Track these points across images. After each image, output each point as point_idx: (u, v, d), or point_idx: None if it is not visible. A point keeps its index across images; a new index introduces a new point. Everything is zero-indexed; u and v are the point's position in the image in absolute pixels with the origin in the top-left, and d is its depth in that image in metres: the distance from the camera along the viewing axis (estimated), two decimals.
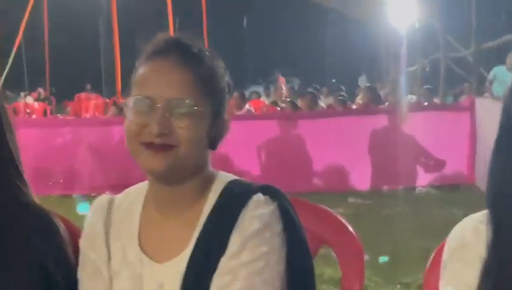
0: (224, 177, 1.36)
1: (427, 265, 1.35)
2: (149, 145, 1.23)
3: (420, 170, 8.74)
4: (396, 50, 14.22)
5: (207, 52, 1.32)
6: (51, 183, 8.10)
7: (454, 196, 8.14)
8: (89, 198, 7.90)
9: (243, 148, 7.63)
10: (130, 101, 1.26)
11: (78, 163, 8.66)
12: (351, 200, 7.48)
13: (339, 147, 8.77)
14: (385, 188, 8.50)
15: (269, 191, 1.29)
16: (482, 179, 8.06)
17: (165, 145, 1.23)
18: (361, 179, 8.71)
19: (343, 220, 1.50)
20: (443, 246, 1.28)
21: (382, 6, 13.48)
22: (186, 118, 1.23)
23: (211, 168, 1.37)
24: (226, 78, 1.36)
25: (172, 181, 1.29)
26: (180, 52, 1.29)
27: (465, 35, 10.67)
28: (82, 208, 7.24)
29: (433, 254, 1.34)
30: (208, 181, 1.34)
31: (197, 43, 1.33)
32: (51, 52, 18.65)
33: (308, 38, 30.38)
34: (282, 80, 16.77)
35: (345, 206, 6.83)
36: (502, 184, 1.12)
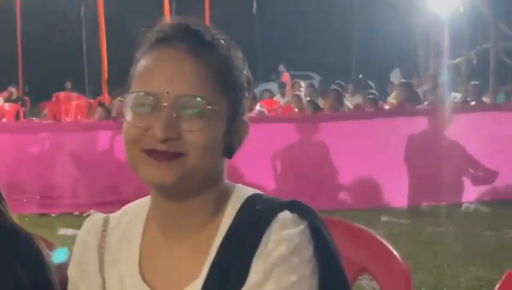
0: (242, 192, 1.33)
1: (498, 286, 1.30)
2: (152, 153, 1.21)
3: (467, 182, 8.75)
4: (436, 39, 14.29)
5: (222, 40, 1.30)
6: (25, 199, 8.10)
7: (508, 213, 8.11)
8: (71, 219, 7.86)
9: (255, 156, 7.46)
10: (130, 99, 1.24)
11: (57, 175, 8.68)
12: (384, 219, 7.52)
13: (369, 156, 8.74)
14: (424, 204, 8.52)
15: (298, 208, 1.26)
16: None
17: (172, 153, 1.21)
18: (396, 193, 8.70)
19: (388, 244, 1.45)
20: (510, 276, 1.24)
21: None
22: (197, 120, 1.20)
23: (226, 181, 1.34)
24: (245, 71, 1.34)
25: (180, 196, 1.27)
26: (190, 40, 1.27)
27: None
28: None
29: (497, 286, 1.32)
30: (223, 196, 1.31)
31: (209, 29, 1.30)
32: (23, 44, 18.67)
33: (329, 26, 30.24)
34: (286, 75, 16.67)
35: (378, 226, 6.81)
36: None
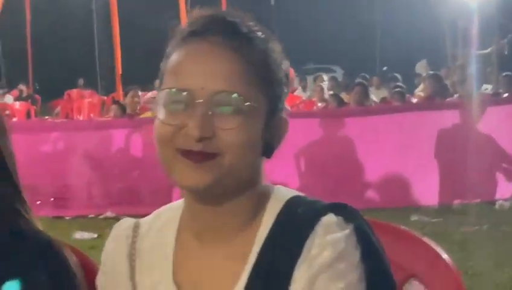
0: (282, 194, 1.31)
1: None
2: (187, 154, 1.19)
3: (501, 178, 8.77)
4: (465, 28, 14.24)
5: (259, 32, 1.28)
6: (38, 202, 8.06)
7: None
8: (86, 221, 7.91)
9: (277, 154, 7.50)
10: (162, 96, 1.23)
11: (71, 176, 8.70)
12: (414, 218, 7.52)
13: (397, 152, 8.75)
14: (456, 202, 8.50)
15: (343, 210, 1.24)
16: None
17: (208, 153, 1.19)
18: (426, 191, 8.68)
19: (438, 248, 1.43)
20: None
21: None
22: (234, 117, 1.18)
23: (265, 182, 1.31)
24: (285, 66, 1.31)
25: (216, 199, 1.25)
26: (225, 33, 1.25)
27: None
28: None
29: None
30: (261, 199, 1.29)
31: (246, 20, 1.28)
32: (33, 41, 18.67)
33: (351, 16, 30.09)
34: (291, 71, 16.56)
35: (408, 226, 6.67)
36: None
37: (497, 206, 8.45)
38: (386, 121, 9.26)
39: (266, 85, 1.23)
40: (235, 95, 1.19)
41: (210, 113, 1.17)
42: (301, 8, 29.85)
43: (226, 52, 1.22)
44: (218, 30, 1.23)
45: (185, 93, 1.18)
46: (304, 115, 10.66)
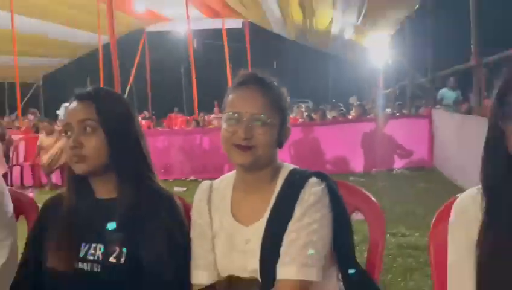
0: (287, 167, 1.28)
1: (432, 222, 1.23)
2: (238, 146, 1.17)
3: (396, 158, 8.50)
4: (376, 79, 13.90)
5: (275, 83, 1.25)
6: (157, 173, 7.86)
7: (419, 174, 7.86)
8: (180, 182, 7.73)
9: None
10: (225, 116, 1.19)
11: (171, 159, 8.60)
12: (351, 178, 7.22)
13: (342, 145, 8.53)
14: (373, 170, 8.24)
15: (320, 175, 1.21)
16: (438, 163, 7.89)
17: (249, 146, 1.17)
18: (357, 164, 8.49)
19: (368, 194, 1.39)
20: (443, 210, 1.16)
21: (366, 51, 13.05)
22: (262, 127, 1.17)
23: (278, 161, 1.28)
24: (288, 100, 1.28)
25: (253, 170, 1.22)
26: (257, 83, 1.23)
27: (423, 67, 10.22)
28: None
29: (435, 216, 1.22)
30: (277, 169, 1.26)
31: (268, 76, 1.26)
32: (151, 86, 18.62)
33: (318, 72, 29.75)
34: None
35: (349, 182, 6.57)
36: (488, 168, 0.98)
37: (394, 172, 8.18)
38: (336, 128, 9.02)
39: (279, 110, 1.20)
40: (262, 115, 1.16)
41: (250, 125, 1.15)
42: (292, 67, 29.39)
43: (258, 93, 1.19)
44: (254, 82, 1.21)
45: (236, 114, 1.16)
46: (292, 125, 10.27)
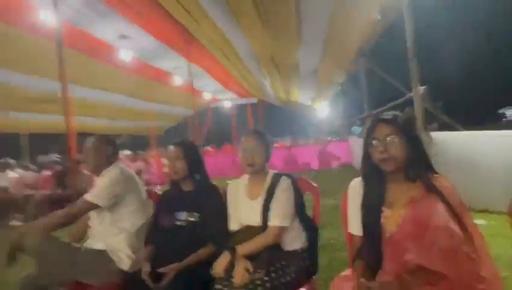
0: (272, 171, 1.65)
1: (342, 193, 1.46)
2: (247, 164, 1.60)
3: (334, 162, 10.76)
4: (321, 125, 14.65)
5: (265, 133, 1.62)
6: None
7: (344, 168, 9.47)
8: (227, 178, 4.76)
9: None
10: (240, 151, 1.55)
11: (226, 169, 9.58)
12: (305, 174, 6.66)
13: (309, 156, 10.66)
14: (323, 168, 10.33)
15: (287, 175, 1.61)
16: (356, 164, 9.14)
17: (252, 164, 1.58)
18: (313, 164, 10.58)
19: (311, 182, 1.78)
20: (347, 187, 1.44)
21: (315, 110, 14.25)
22: (258, 156, 1.59)
23: (267, 168, 1.65)
24: (271, 140, 1.62)
25: (254, 174, 1.63)
26: (255, 134, 1.63)
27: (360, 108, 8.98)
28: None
29: (343, 195, 1.44)
30: (266, 173, 1.65)
31: (261, 129, 1.66)
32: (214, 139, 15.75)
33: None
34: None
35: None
36: (364, 167, 1.36)
37: (332, 169, 10.03)
38: (303, 148, 11.46)
39: (267, 147, 1.66)
40: (259, 151, 1.58)
41: (252, 155, 1.56)
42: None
43: (255, 140, 1.62)
44: (255, 133, 1.63)
45: (244, 151, 1.57)
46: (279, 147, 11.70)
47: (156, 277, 1.67)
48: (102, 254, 1.90)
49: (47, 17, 5.15)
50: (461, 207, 1.21)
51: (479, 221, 3.37)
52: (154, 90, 9.83)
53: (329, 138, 13.30)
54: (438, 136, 4.34)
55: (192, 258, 1.71)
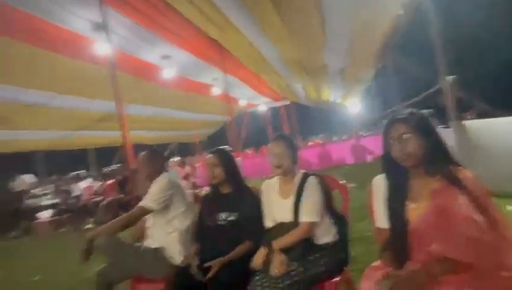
0: (301, 171, 1.66)
1: (368, 189, 1.40)
2: (275, 166, 1.59)
3: (368, 156, 10.36)
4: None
5: (293, 136, 1.68)
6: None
7: (378, 163, 6.69)
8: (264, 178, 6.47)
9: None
10: (268, 155, 1.58)
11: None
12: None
13: (317, 157, 10.39)
14: (358, 162, 10.24)
15: (315, 174, 1.63)
16: None
17: (279, 166, 1.60)
18: (349, 160, 10.42)
19: (338, 179, 1.76)
20: (371, 182, 1.39)
21: (343, 107, 13.67)
22: (286, 159, 1.62)
23: (296, 169, 1.68)
24: (297, 144, 1.66)
25: (284, 175, 1.65)
26: (282, 138, 1.65)
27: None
28: None
29: (368, 191, 1.39)
30: (295, 173, 1.67)
31: (289, 136, 1.68)
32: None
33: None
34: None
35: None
36: (384, 164, 1.35)
37: (367, 164, 9.59)
38: (339, 144, 11.48)
39: (293, 149, 1.66)
40: (286, 154, 1.60)
41: (280, 158, 1.58)
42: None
43: (283, 144, 1.65)
44: (281, 137, 1.66)
45: (274, 156, 1.59)
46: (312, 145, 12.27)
47: (203, 270, 1.76)
48: (158, 252, 2.05)
49: (101, 48, 5.72)
50: (485, 197, 1.17)
51: None
52: (196, 102, 10.48)
53: (362, 133, 12.90)
54: (475, 124, 4.15)
55: (233, 254, 1.78)
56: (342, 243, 1.70)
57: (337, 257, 1.67)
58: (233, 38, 6.09)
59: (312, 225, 1.62)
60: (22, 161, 10.25)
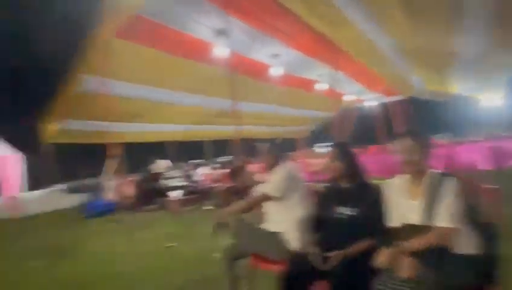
0: (432, 171, 1.56)
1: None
2: (405, 165, 1.56)
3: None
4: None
5: (421, 133, 1.55)
6: None
7: None
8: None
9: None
10: (399, 154, 1.52)
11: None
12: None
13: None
14: (496, 168, 8.20)
15: (453, 175, 1.45)
16: None
17: (409, 164, 1.53)
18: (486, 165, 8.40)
19: (491, 185, 1.60)
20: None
21: (475, 101, 12.24)
22: (415, 155, 1.53)
23: (427, 168, 1.53)
24: (427, 142, 1.57)
25: (415, 173, 1.58)
26: (412, 134, 1.58)
27: None
28: None
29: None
30: (426, 172, 1.58)
31: (418, 131, 1.59)
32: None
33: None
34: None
35: None
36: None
37: (508, 171, 7.82)
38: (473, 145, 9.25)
39: (424, 146, 1.58)
40: (415, 150, 1.55)
41: (411, 154, 1.52)
42: None
43: (411, 140, 1.57)
44: (409, 133, 1.60)
45: (402, 153, 1.51)
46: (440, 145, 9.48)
47: (321, 259, 1.78)
48: (277, 235, 2.16)
49: (220, 51, 6.29)
50: None
51: None
52: (301, 98, 10.49)
53: (501, 133, 10.90)
54: None
55: (354, 248, 1.75)
56: (486, 258, 1.52)
57: (478, 272, 1.48)
58: (346, 32, 5.91)
59: (448, 231, 1.48)
60: (158, 149, 11.91)
